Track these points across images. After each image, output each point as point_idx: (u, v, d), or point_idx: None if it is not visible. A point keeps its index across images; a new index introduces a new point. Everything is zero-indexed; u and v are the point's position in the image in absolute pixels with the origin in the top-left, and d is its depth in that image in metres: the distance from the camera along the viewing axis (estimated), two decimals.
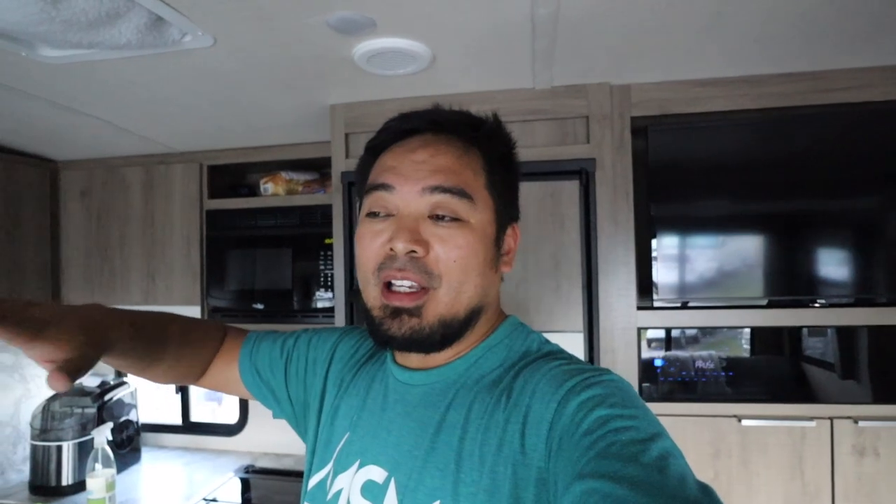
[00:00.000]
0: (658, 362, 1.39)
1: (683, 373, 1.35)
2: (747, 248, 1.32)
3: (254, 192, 1.85)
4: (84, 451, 1.84)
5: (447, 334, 0.58)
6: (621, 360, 1.32)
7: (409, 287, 0.56)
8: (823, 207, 1.30)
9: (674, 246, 1.33)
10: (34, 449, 1.85)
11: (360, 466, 0.60)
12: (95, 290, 1.85)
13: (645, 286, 1.35)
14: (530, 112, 1.34)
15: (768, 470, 1.27)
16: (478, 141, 0.62)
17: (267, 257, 1.74)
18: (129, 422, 2.03)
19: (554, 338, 1.43)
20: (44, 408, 1.85)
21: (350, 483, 0.60)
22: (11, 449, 1.95)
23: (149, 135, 1.65)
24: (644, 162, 1.33)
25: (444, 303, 0.57)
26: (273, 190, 1.77)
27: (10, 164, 1.71)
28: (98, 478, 1.67)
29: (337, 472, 0.63)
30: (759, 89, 1.29)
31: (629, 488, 0.39)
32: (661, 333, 1.37)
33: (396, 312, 0.57)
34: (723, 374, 1.38)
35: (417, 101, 1.38)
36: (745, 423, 1.28)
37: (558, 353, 0.60)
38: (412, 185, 0.57)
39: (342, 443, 0.65)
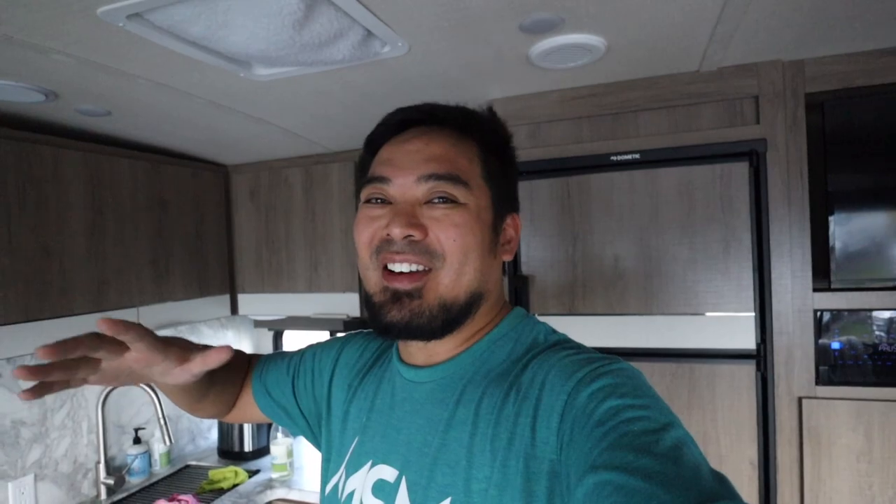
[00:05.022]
0: (836, 345, 1.35)
1: (866, 356, 1.31)
2: None
3: None
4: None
5: (448, 319, 0.57)
6: (796, 343, 1.30)
7: (409, 269, 0.56)
8: None
9: (854, 224, 1.28)
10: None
11: (372, 466, 0.61)
12: (265, 280, 2.07)
13: (822, 268, 1.31)
14: (695, 95, 1.34)
15: None
16: (472, 130, 0.62)
17: None
18: None
19: (723, 319, 1.43)
20: None
21: (362, 483, 0.60)
22: (199, 419, 2.24)
23: (314, 138, 1.81)
24: (820, 139, 1.29)
25: (445, 284, 0.56)
26: None
27: (197, 171, 1.95)
28: (280, 445, 1.89)
29: (349, 473, 0.63)
30: None
31: (643, 479, 0.38)
32: (838, 323, 1.33)
33: (396, 296, 0.56)
34: None
35: (578, 90, 1.42)
36: None
37: (566, 343, 0.60)
38: (407, 174, 0.57)
39: (353, 445, 0.65)
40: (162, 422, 1.72)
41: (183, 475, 1.98)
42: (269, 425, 2.02)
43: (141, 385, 1.77)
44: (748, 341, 1.31)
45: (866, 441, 1.25)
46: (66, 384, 0.53)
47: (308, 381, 0.76)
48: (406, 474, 0.57)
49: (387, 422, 0.63)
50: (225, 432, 2.09)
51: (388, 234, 0.56)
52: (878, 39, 1.21)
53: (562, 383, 0.51)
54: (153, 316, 1.78)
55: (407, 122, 0.64)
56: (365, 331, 0.79)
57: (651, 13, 1.04)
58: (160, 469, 2.00)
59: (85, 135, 1.63)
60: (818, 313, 1.30)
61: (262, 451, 2.07)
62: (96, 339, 0.51)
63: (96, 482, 1.80)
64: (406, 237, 0.56)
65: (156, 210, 1.78)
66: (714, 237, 1.33)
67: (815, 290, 1.29)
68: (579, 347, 0.58)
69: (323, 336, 2.29)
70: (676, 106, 1.37)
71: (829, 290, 1.30)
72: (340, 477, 0.65)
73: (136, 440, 1.93)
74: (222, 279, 2.06)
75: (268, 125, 1.65)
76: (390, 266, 0.57)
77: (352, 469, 0.63)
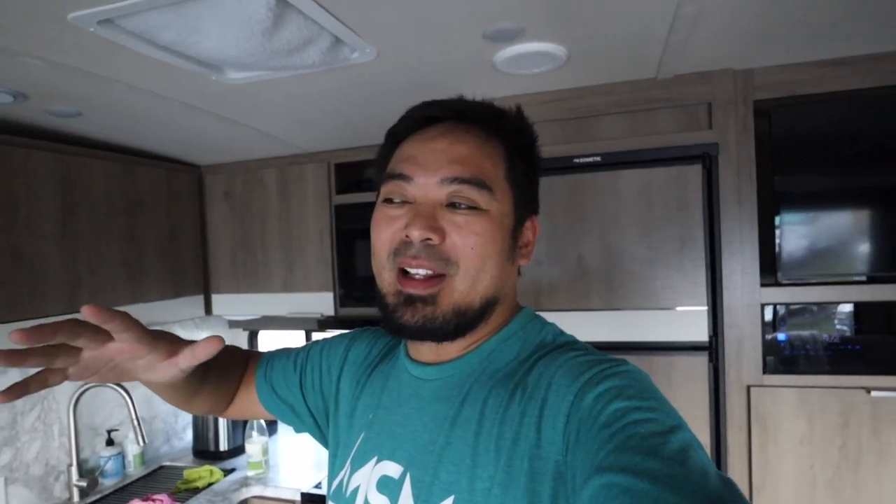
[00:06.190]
0: (782, 336, 1.44)
1: (809, 346, 1.40)
2: (878, 223, 1.34)
3: (374, 185, 2.02)
4: (237, 421, 2.09)
5: (461, 324, 0.57)
6: (746, 335, 1.38)
7: (425, 274, 0.56)
8: None
9: (798, 223, 1.37)
10: (195, 419, 2.13)
11: (377, 462, 0.61)
12: (241, 281, 2.08)
13: (769, 264, 1.40)
14: (653, 101, 1.41)
15: None
16: (499, 131, 0.61)
17: None
18: None
19: (679, 313, 1.51)
20: None
21: (367, 479, 0.60)
22: (174, 419, 2.25)
23: (289, 139, 1.84)
24: (767, 143, 1.37)
25: (460, 291, 0.56)
26: None
27: (171, 172, 1.96)
28: (255, 444, 1.91)
29: (354, 469, 0.63)
30: (888, 66, 1.29)
31: (650, 482, 0.39)
32: (783, 316, 1.42)
33: (410, 300, 0.56)
34: (848, 346, 1.41)
35: (543, 95, 1.48)
36: (874, 394, 1.31)
37: (574, 344, 0.60)
38: (430, 175, 0.56)
39: (359, 441, 0.65)
40: (135, 423, 1.73)
41: (158, 476, 1.98)
42: (244, 424, 2.03)
43: (113, 386, 1.77)
44: (701, 334, 1.38)
45: (808, 425, 1.33)
46: (44, 382, 0.50)
47: (316, 378, 0.76)
48: (411, 471, 0.57)
49: (393, 418, 0.62)
50: (200, 432, 2.10)
51: (406, 236, 0.56)
52: (821, 50, 1.29)
53: (568, 384, 0.51)
54: None
55: (432, 118, 0.62)
56: (373, 327, 0.79)
57: (606, 23, 1.10)
58: (134, 470, 2.00)
59: (57, 135, 1.63)
60: (765, 307, 1.39)
61: (237, 450, 2.08)
62: (77, 325, 0.47)
63: (69, 485, 1.80)
64: (424, 240, 0.55)
65: (129, 211, 1.79)
66: (670, 236, 1.40)
67: (762, 285, 1.38)
68: (586, 349, 0.58)
69: (298, 336, 2.31)
70: (636, 111, 1.44)
71: (775, 285, 1.38)
72: (346, 472, 0.65)
73: (109, 442, 1.93)
74: (196, 280, 2.07)
75: (242, 127, 1.68)
76: (407, 270, 0.56)
77: (357, 465, 0.63)
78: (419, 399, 0.61)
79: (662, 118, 1.43)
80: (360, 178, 2.09)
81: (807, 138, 1.38)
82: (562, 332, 0.63)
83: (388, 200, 0.59)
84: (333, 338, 0.80)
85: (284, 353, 0.81)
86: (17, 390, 0.48)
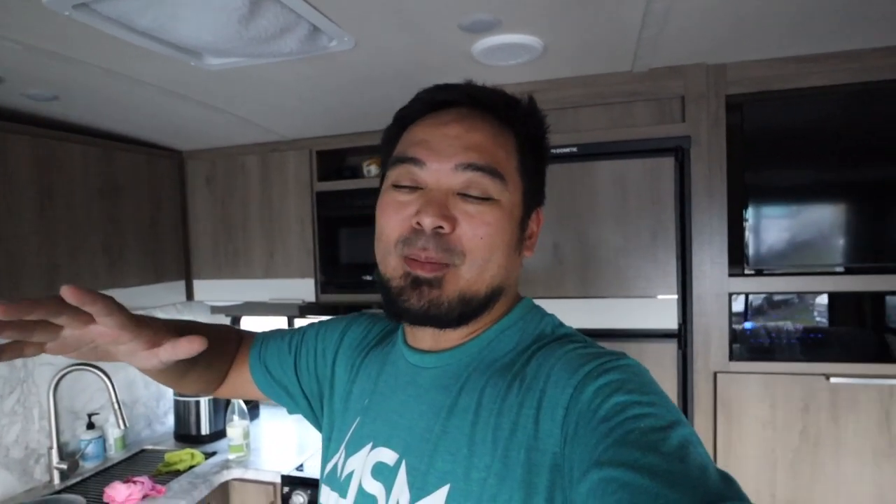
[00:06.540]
0: (748, 325, 1.49)
1: (773, 334, 1.45)
2: (841, 216, 1.39)
3: (355, 173, 2.03)
4: (218, 405, 2.11)
5: (465, 312, 0.56)
6: (714, 324, 1.42)
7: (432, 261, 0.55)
8: None
9: (766, 215, 1.41)
10: (176, 403, 2.14)
11: (372, 448, 0.60)
12: (222, 267, 2.09)
13: (737, 255, 1.44)
14: (629, 94, 1.44)
15: (857, 424, 1.36)
16: (512, 121, 0.60)
17: (372, 233, 1.92)
18: None
19: (650, 302, 1.55)
20: None
21: (362, 465, 0.60)
22: (155, 404, 2.26)
23: (269, 126, 1.84)
24: (739, 137, 1.41)
25: (466, 279, 0.55)
26: (376, 171, 1.94)
27: (152, 158, 1.95)
28: (236, 427, 1.93)
29: (349, 454, 0.63)
30: (858, 63, 1.33)
31: (649, 478, 0.38)
32: (750, 305, 1.47)
33: (417, 283, 0.55)
34: (810, 335, 1.47)
35: (521, 86, 1.50)
36: (833, 380, 1.37)
37: (572, 336, 0.59)
38: (444, 161, 0.55)
39: (354, 426, 0.65)
40: (116, 406, 1.74)
41: (139, 459, 2.00)
42: (226, 407, 2.05)
43: (94, 370, 1.78)
44: (671, 322, 1.43)
45: (771, 410, 1.39)
46: (19, 351, 0.48)
47: (311, 360, 0.75)
48: (406, 458, 0.56)
49: (389, 405, 0.62)
50: (182, 416, 2.12)
51: (417, 223, 0.54)
52: (793, 47, 1.32)
53: (568, 376, 0.50)
54: None
55: (445, 102, 0.60)
56: (369, 311, 0.79)
57: (579, 16, 1.12)
58: (115, 454, 2.01)
59: (34, 119, 1.61)
60: (733, 296, 1.43)
61: (219, 433, 2.10)
62: (61, 304, 0.45)
63: (49, 467, 1.81)
64: (436, 228, 0.54)
65: (109, 195, 1.78)
66: (643, 226, 1.43)
67: (730, 275, 1.42)
68: (585, 341, 0.57)
69: (280, 322, 2.33)
70: (613, 103, 1.47)
71: (742, 275, 1.43)
72: (340, 457, 0.64)
73: (90, 425, 1.94)
74: (178, 265, 2.07)
75: (222, 113, 1.67)
76: (413, 257, 0.55)
77: (352, 450, 0.63)
78: (416, 387, 0.61)
79: (638, 111, 1.46)
80: (341, 165, 2.10)
81: (777, 133, 1.41)
82: (561, 324, 0.63)
83: (397, 185, 0.57)
84: (329, 320, 0.79)
85: (279, 333, 0.80)
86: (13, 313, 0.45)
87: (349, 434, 0.65)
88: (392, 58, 1.30)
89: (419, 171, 0.56)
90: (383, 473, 0.58)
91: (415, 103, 0.61)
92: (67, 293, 0.44)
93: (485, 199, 0.55)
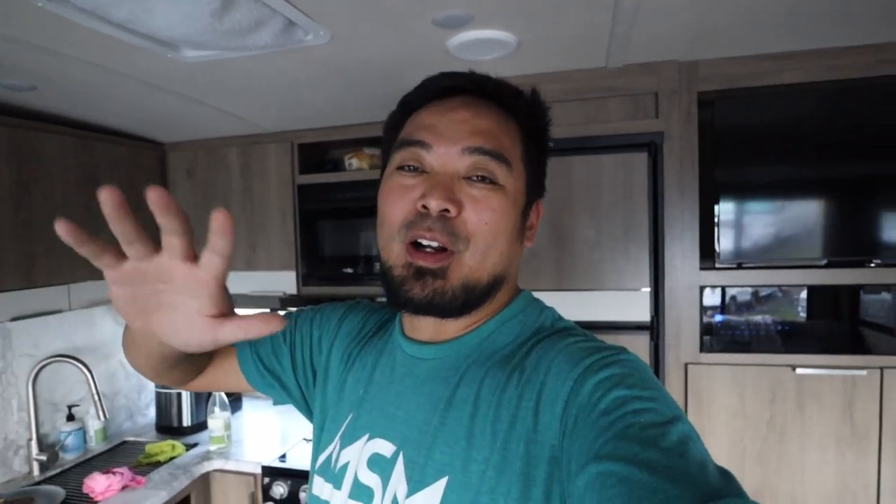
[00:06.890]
0: (718, 317, 1.52)
1: (743, 327, 1.49)
2: (808, 212, 1.43)
3: (337, 166, 2.04)
4: (200, 397, 2.12)
5: (468, 300, 0.56)
6: (685, 316, 1.45)
7: (436, 247, 0.54)
8: (888, 172, 1.38)
9: (736, 211, 1.45)
10: (158, 395, 2.15)
11: (369, 440, 0.60)
12: None
13: (708, 249, 1.47)
14: (604, 89, 1.46)
15: (821, 413, 1.40)
16: (517, 111, 0.60)
17: (353, 226, 1.93)
18: None
19: (623, 296, 1.58)
20: None
21: (358, 456, 0.60)
22: (137, 396, 2.26)
23: (249, 118, 1.84)
24: (710, 133, 1.44)
25: (469, 266, 0.55)
26: (357, 165, 1.95)
27: (133, 149, 1.95)
28: (218, 419, 1.94)
29: (344, 445, 0.62)
30: (828, 62, 1.35)
31: (648, 472, 0.38)
32: (720, 298, 1.50)
33: (420, 273, 0.54)
34: (778, 327, 1.51)
35: None
36: (798, 371, 1.40)
37: (573, 330, 0.59)
38: (451, 144, 0.55)
39: (349, 417, 0.64)
40: (96, 398, 1.74)
41: (119, 450, 2.00)
42: (207, 399, 2.06)
43: (73, 362, 1.78)
44: (644, 314, 1.46)
45: (740, 401, 1.43)
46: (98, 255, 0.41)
47: (307, 349, 0.74)
48: (404, 450, 0.56)
49: (386, 396, 0.62)
50: (163, 408, 2.12)
51: (423, 206, 0.54)
52: (764, 45, 1.35)
53: (568, 370, 0.50)
54: (86, 294, 1.79)
55: (451, 88, 0.60)
56: (365, 300, 0.78)
57: (551, 12, 1.14)
58: (96, 445, 2.01)
59: (10, 109, 1.61)
60: (704, 290, 1.47)
61: (200, 425, 2.11)
62: (135, 229, 0.39)
63: (28, 458, 1.81)
64: (442, 211, 0.53)
65: (88, 186, 1.78)
66: (617, 220, 1.46)
67: (701, 268, 1.45)
68: (585, 335, 0.57)
69: None
70: (588, 99, 1.49)
71: (713, 269, 1.46)
72: (335, 447, 0.64)
73: (70, 417, 1.94)
74: None
75: (202, 105, 1.68)
76: (420, 242, 0.55)
77: (347, 441, 0.62)
78: (414, 378, 0.60)
79: (613, 107, 1.48)
80: (323, 159, 2.10)
81: (748, 130, 1.45)
82: (560, 317, 0.62)
83: (402, 168, 0.57)
84: (325, 307, 0.77)
85: None
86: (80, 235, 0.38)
87: (344, 425, 0.64)
88: (369, 52, 1.31)
89: (425, 155, 0.56)
90: (380, 465, 0.57)
91: (419, 90, 0.62)
92: (154, 194, 0.36)
93: (491, 183, 0.55)
